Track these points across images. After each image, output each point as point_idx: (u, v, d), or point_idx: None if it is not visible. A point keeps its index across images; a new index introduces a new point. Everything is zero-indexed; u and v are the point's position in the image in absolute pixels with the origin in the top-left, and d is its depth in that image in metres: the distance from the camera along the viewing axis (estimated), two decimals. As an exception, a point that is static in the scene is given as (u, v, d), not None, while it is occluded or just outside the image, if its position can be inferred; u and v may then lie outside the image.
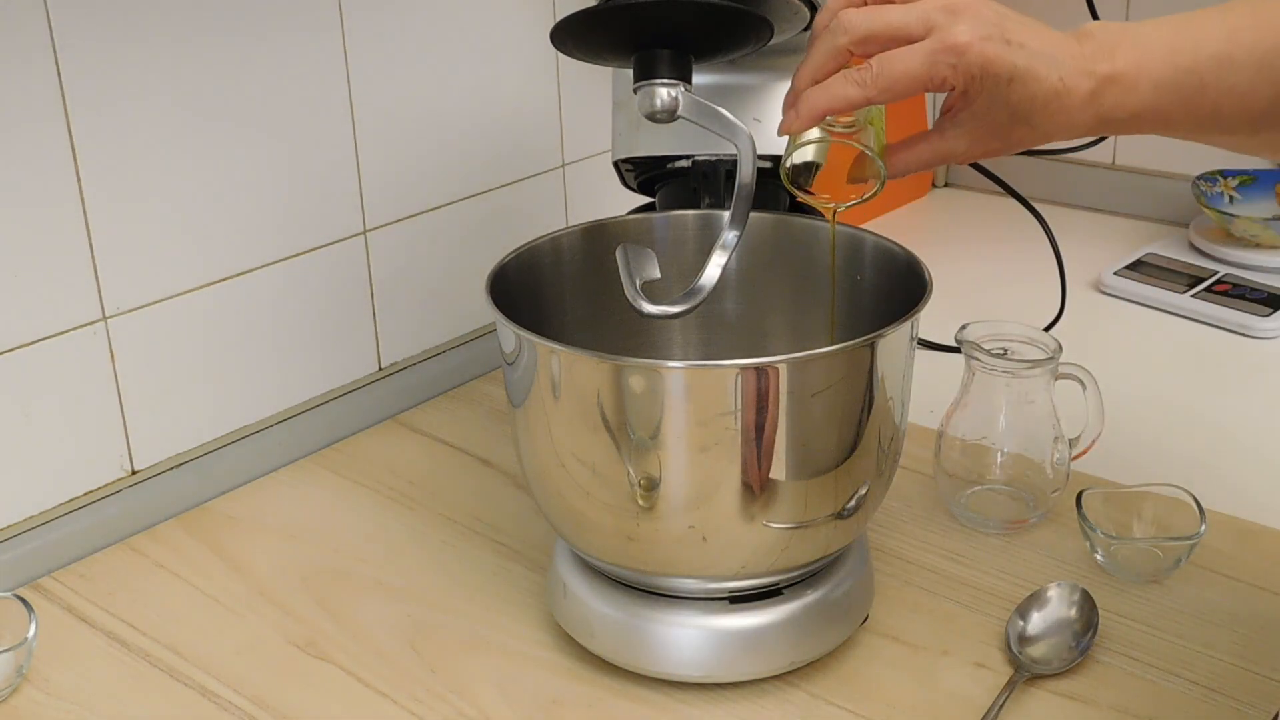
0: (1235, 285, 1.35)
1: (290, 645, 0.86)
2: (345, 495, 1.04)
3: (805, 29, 0.87)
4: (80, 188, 0.93)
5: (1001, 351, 0.95)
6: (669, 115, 0.77)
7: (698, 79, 0.79)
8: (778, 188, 0.97)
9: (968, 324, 0.96)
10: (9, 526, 0.94)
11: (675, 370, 0.72)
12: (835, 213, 0.83)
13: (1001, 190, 1.55)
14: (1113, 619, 0.85)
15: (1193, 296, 1.33)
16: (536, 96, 1.25)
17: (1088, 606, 0.85)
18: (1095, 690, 0.80)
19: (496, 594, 0.91)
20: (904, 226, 1.59)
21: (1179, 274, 1.39)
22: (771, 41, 0.81)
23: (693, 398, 0.72)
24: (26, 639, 0.82)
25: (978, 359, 0.94)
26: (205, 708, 0.81)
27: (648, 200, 1.00)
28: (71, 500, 0.98)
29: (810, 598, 0.80)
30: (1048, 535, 0.95)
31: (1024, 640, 0.83)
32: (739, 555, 0.76)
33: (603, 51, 0.81)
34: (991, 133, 0.75)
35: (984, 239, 1.55)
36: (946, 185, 1.72)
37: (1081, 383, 0.95)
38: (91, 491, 0.99)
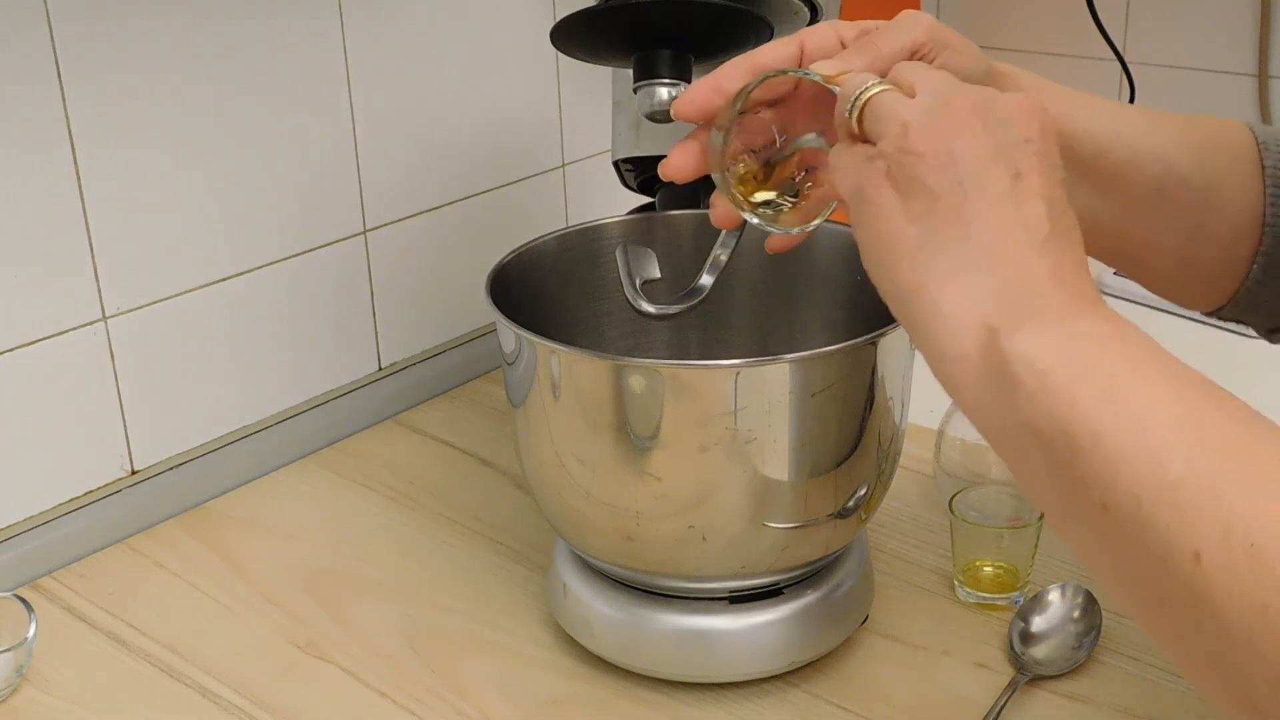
0: (1236, 285, 1.35)
1: (290, 645, 0.86)
2: (345, 495, 1.04)
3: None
4: (80, 188, 0.93)
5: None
6: (669, 115, 0.77)
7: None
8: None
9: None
10: (9, 526, 0.94)
11: (675, 370, 0.72)
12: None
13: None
14: (1115, 620, 0.85)
15: (1194, 296, 1.33)
16: (536, 96, 1.25)
17: (1090, 607, 0.84)
18: (1098, 691, 0.80)
19: (496, 594, 0.91)
20: (905, 226, 1.59)
21: (1180, 274, 1.38)
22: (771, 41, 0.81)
23: (693, 398, 0.71)
24: (26, 639, 0.82)
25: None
26: (205, 708, 0.81)
27: (648, 200, 1.00)
28: (71, 500, 0.98)
29: (810, 598, 0.80)
30: (1050, 535, 0.95)
31: (1026, 641, 0.83)
32: (739, 555, 0.76)
33: (603, 51, 0.81)
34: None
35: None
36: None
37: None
38: (91, 491, 0.98)
